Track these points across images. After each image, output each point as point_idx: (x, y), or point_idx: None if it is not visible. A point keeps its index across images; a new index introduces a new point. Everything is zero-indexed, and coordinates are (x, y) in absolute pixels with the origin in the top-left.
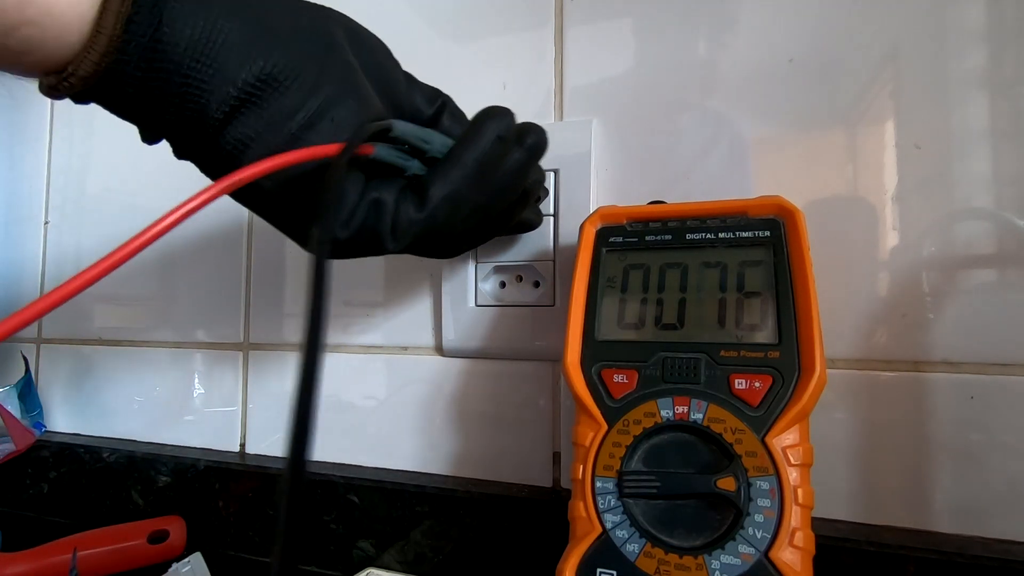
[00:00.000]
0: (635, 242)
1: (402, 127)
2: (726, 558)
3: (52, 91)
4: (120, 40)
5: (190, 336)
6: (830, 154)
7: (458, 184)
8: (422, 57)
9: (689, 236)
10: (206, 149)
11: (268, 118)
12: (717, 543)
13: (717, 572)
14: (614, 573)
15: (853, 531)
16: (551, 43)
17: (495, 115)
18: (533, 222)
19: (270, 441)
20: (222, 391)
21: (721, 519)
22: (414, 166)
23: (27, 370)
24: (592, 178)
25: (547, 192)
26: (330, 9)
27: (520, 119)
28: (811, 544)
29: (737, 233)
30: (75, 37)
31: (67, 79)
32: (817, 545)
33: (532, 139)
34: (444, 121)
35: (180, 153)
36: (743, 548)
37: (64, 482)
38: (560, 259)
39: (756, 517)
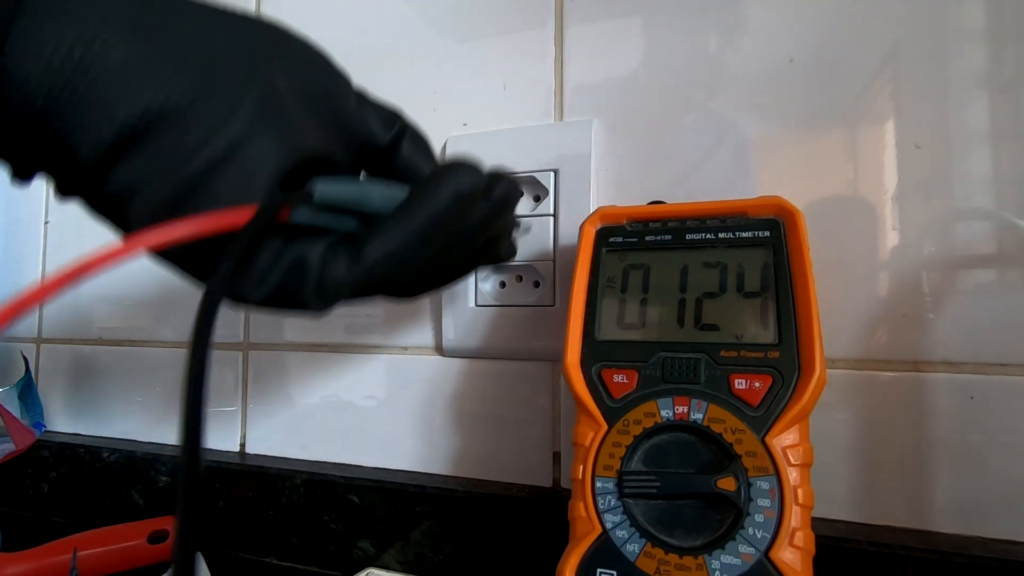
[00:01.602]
0: (635, 242)
1: (328, 189)
2: (726, 558)
3: None
4: None
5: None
6: (830, 154)
7: (400, 243)
8: (422, 57)
9: (689, 236)
10: (87, 192)
11: (159, 160)
12: (717, 543)
13: (717, 572)
14: (614, 573)
15: (853, 531)
16: (551, 43)
17: (456, 171)
18: (503, 257)
19: (270, 441)
20: (222, 391)
21: (721, 519)
22: (348, 225)
23: (27, 370)
24: (592, 178)
25: (529, 227)
26: (267, 22)
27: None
28: (811, 544)
29: (737, 233)
30: None
31: None
32: (817, 545)
33: (499, 192)
34: (403, 149)
35: (62, 192)
36: (743, 548)
37: (64, 482)
38: (560, 259)
39: (756, 517)
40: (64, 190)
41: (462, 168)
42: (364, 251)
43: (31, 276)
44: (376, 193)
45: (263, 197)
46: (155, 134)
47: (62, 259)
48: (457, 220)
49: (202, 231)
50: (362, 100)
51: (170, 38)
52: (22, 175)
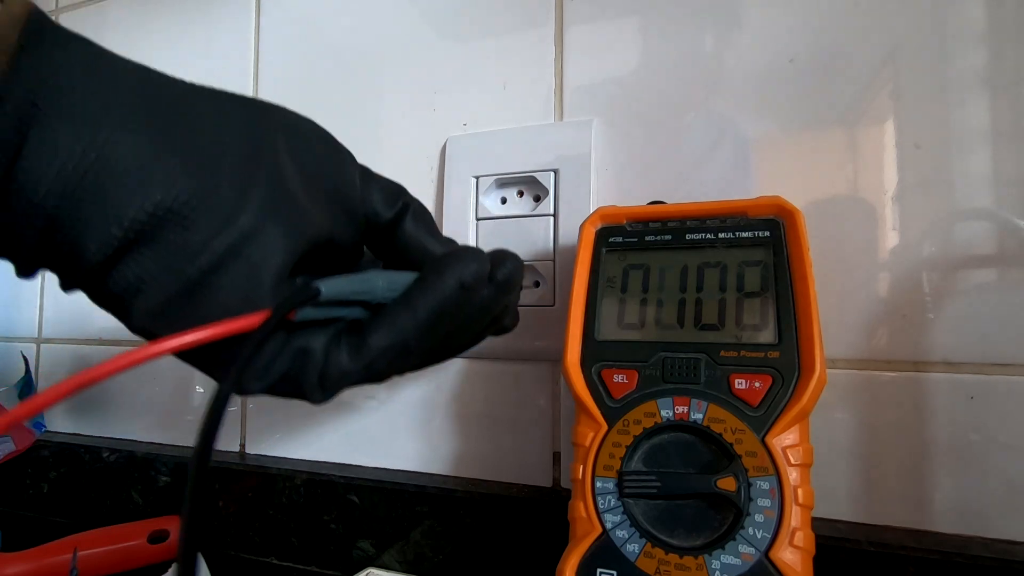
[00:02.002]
0: (635, 242)
1: (332, 289)
2: (726, 558)
3: None
4: None
5: None
6: (830, 154)
7: (406, 334)
8: (422, 57)
9: (689, 236)
10: (91, 287)
11: (165, 259)
12: (717, 543)
13: (717, 572)
14: (614, 573)
15: (853, 531)
16: (551, 43)
17: (461, 260)
18: (507, 328)
19: (270, 441)
20: None
21: (721, 519)
22: (354, 313)
23: (27, 370)
24: (592, 178)
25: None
26: (270, 107)
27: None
28: (811, 544)
29: (737, 233)
30: None
31: None
32: (817, 545)
33: (504, 273)
34: (406, 225)
35: (65, 287)
36: (743, 548)
37: (64, 482)
38: (560, 259)
39: (756, 517)
40: (67, 285)
41: (467, 255)
42: (368, 341)
43: None
44: (381, 282)
45: (271, 297)
46: (161, 232)
47: None
48: (462, 308)
49: (213, 337)
50: (366, 176)
51: (178, 132)
52: (26, 273)
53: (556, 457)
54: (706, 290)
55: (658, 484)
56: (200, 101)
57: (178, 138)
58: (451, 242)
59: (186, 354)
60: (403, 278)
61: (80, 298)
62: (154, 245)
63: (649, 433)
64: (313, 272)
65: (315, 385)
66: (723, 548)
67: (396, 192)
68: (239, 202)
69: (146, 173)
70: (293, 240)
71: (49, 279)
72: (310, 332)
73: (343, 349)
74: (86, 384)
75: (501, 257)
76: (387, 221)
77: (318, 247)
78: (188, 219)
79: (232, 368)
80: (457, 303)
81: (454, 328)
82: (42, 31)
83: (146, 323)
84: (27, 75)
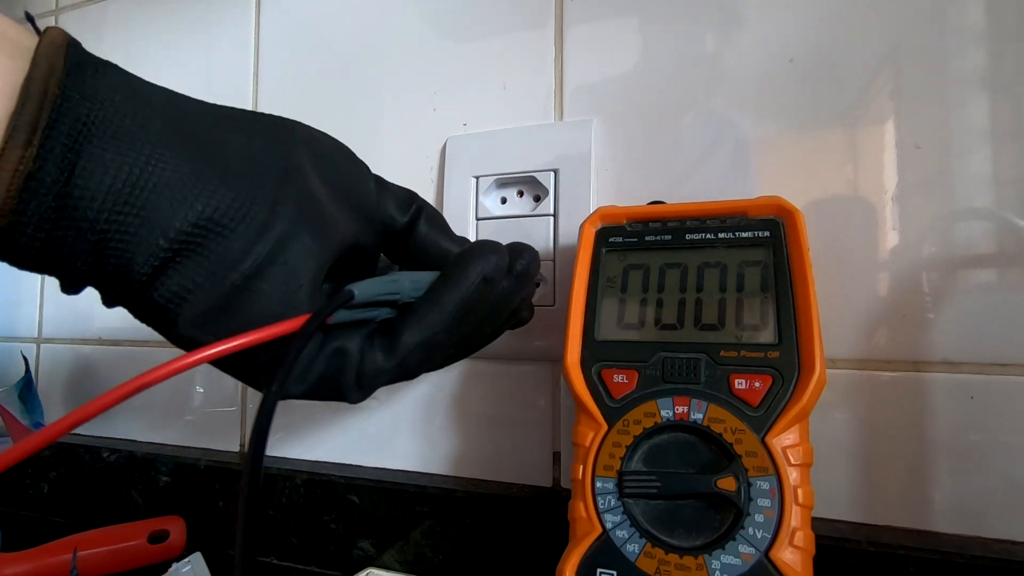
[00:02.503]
0: (635, 242)
1: (365, 290)
2: (726, 558)
3: None
4: (16, 200)
5: None
6: (830, 154)
7: (436, 328)
8: (422, 57)
9: (689, 236)
10: (135, 301)
11: (208, 267)
12: (717, 543)
13: (717, 572)
14: (614, 573)
15: (853, 531)
16: (551, 43)
17: (482, 254)
18: (524, 320)
19: (270, 441)
20: (222, 391)
21: (721, 519)
22: (382, 313)
23: (27, 370)
24: (592, 178)
25: (544, 280)
26: (291, 123)
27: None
28: (811, 544)
29: (737, 233)
30: None
31: None
32: (817, 545)
33: (522, 265)
34: (420, 228)
35: (109, 303)
36: (743, 548)
37: (64, 482)
38: (560, 259)
39: (756, 517)
40: (111, 301)
41: (487, 249)
42: (401, 339)
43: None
44: (407, 282)
45: (308, 301)
46: (204, 242)
47: None
48: (485, 300)
49: (258, 341)
50: (381, 186)
51: (212, 151)
52: (73, 289)
53: (556, 457)
54: (706, 290)
55: (658, 484)
56: (225, 120)
57: (211, 155)
58: (465, 240)
59: (223, 361)
60: (427, 277)
61: (80, 298)
62: (198, 255)
63: (649, 433)
64: (336, 278)
65: (352, 385)
66: (723, 548)
67: (409, 198)
68: (274, 212)
69: (186, 187)
70: (325, 247)
71: (49, 279)
72: (344, 334)
73: (377, 348)
74: (143, 387)
75: (518, 249)
76: (403, 226)
77: (344, 254)
78: (228, 228)
79: (279, 371)
80: (480, 295)
81: (478, 321)
82: (82, 57)
83: (191, 331)
84: (76, 98)
